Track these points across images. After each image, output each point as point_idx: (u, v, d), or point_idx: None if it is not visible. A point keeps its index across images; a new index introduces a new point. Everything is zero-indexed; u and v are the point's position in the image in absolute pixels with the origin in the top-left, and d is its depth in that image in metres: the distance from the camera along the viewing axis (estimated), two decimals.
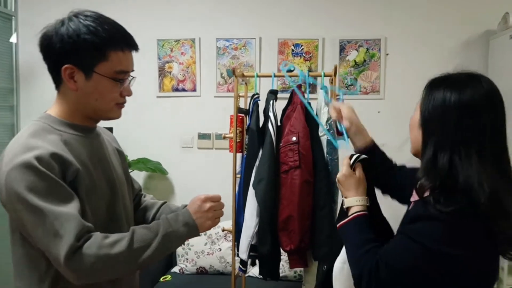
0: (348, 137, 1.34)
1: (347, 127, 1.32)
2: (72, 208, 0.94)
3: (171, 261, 2.97)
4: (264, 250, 1.77)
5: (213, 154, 3.12)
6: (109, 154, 1.19)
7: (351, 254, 1.09)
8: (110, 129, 1.24)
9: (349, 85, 2.99)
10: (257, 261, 1.95)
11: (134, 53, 1.12)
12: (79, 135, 1.08)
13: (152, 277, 2.69)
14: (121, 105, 1.12)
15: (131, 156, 2.89)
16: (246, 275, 2.28)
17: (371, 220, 1.14)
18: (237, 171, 2.02)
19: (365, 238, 1.07)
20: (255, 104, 1.95)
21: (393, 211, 1.28)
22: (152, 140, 3.14)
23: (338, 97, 2.00)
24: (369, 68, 2.97)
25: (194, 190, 1.14)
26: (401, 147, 1.76)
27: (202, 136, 3.13)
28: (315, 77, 2.30)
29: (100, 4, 3.08)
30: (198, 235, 1.10)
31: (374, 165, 1.28)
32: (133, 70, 1.11)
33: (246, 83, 2.24)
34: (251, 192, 1.83)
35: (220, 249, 2.78)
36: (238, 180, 2.03)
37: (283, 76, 2.77)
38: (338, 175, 1.20)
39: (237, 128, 1.98)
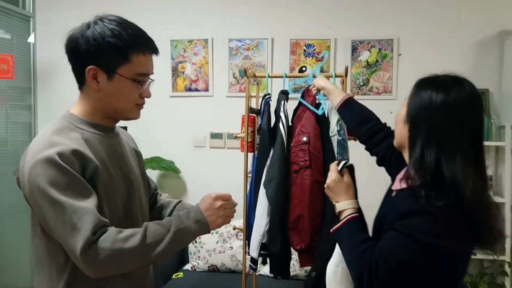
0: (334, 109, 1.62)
1: (314, 93, 1.67)
2: (90, 203, 0.98)
3: (183, 258, 3.01)
4: (274, 249, 1.79)
5: (225, 153, 3.15)
6: (127, 154, 1.23)
7: (349, 256, 1.12)
8: (125, 128, 1.28)
9: (361, 86, 2.99)
10: (267, 260, 1.97)
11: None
12: (99, 134, 1.12)
13: (164, 274, 2.73)
14: (140, 106, 1.16)
15: (145, 155, 2.90)
16: (257, 273, 2.30)
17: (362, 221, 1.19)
18: (248, 170, 2.05)
19: (361, 239, 1.11)
20: (267, 104, 1.97)
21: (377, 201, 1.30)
22: (165, 139, 3.19)
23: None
24: (382, 69, 2.97)
25: (206, 189, 1.17)
26: None
27: (214, 136, 3.16)
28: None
29: (115, 5, 3.16)
30: (209, 232, 1.13)
31: (351, 118, 1.53)
32: (152, 73, 1.15)
33: (258, 84, 2.26)
34: (262, 191, 1.85)
35: (232, 248, 2.81)
36: (249, 180, 2.06)
37: (295, 77, 2.79)
38: (328, 181, 1.25)
39: (249, 128, 2.00)
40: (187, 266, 2.91)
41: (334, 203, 1.23)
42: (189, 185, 3.22)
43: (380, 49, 2.97)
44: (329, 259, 1.24)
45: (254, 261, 1.88)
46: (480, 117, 1.07)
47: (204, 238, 2.85)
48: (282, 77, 2.00)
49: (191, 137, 3.20)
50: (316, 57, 3.02)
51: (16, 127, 3.21)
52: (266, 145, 1.90)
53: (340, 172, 1.26)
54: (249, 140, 2.00)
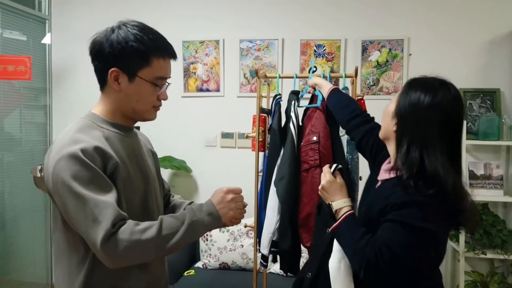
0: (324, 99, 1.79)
1: (309, 90, 1.88)
2: (110, 197, 1.03)
3: (195, 256, 3.06)
4: (285, 246, 1.82)
5: (235, 152, 3.19)
6: (144, 153, 1.28)
7: (352, 249, 1.18)
8: (137, 129, 1.33)
9: (371, 85, 3.01)
10: (278, 257, 2.00)
11: None
12: (119, 133, 1.17)
13: (176, 272, 2.77)
14: (157, 108, 1.21)
15: (157, 154, 2.99)
16: (268, 271, 2.34)
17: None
18: (259, 169, 2.08)
19: (362, 232, 1.18)
20: (277, 104, 2.00)
21: None
22: (177, 139, 3.24)
23: (358, 97, 2.03)
24: (392, 69, 2.98)
25: (217, 187, 1.21)
26: None
27: (225, 135, 3.20)
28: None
29: (127, 7, 3.22)
30: (221, 224, 1.16)
31: (335, 104, 1.68)
32: (170, 77, 1.20)
33: (268, 84, 2.29)
34: (272, 189, 1.88)
35: (242, 246, 2.84)
36: (260, 178, 2.09)
37: (305, 77, 2.81)
38: (323, 183, 1.32)
39: (260, 127, 2.03)
40: (199, 264, 2.95)
41: (329, 203, 1.30)
42: (200, 183, 3.26)
43: (390, 49, 2.98)
44: (323, 259, 1.28)
45: (264, 258, 1.92)
46: (461, 118, 1.19)
47: (215, 236, 2.90)
48: (292, 77, 2.03)
49: (202, 137, 3.24)
50: (326, 57, 3.04)
51: (32, 127, 3.28)
52: (276, 144, 1.94)
53: (333, 174, 1.35)
54: (260, 139, 2.04)
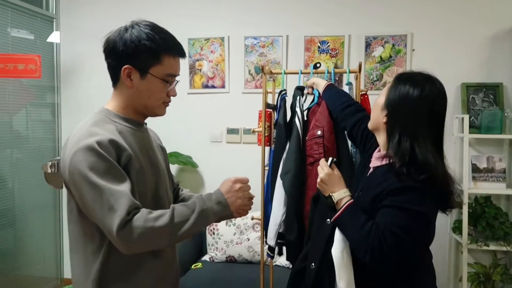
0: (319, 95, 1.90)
1: (308, 91, 1.94)
2: (125, 187, 1.08)
3: (202, 250, 3.12)
4: (291, 237, 1.87)
5: (241, 148, 3.24)
6: (155, 148, 1.33)
7: (355, 237, 1.24)
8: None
9: (375, 81, 3.04)
10: (283, 250, 2.05)
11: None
12: (131, 127, 1.23)
13: (184, 265, 2.83)
14: (166, 104, 1.26)
15: None
16: (274, 263, 2.39)
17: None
18: (265, 163, 2.13)
19: (364, 220, 1.23)
20: (283, 100, 2.04)
21: None
22: (183, 135, 3.29)
23: (362, 92, 2.07)
24: (395, 64, 3.01)
25: None
26: None
27: (231, 131, 3.25)
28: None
29: (133, 6, 3.26)
30: (230, 212, 1.21)
31: (329, 98, 1.78)
32: (179, 74, 1.25)
33: (274, 80, 2.33)
34: (278, 183, 1.93)
35: (249, 239, 2.90)
36: (266, 172, 2.13)
37: (309, 73, 2.85)
38: (321, 176, 1.37)
39: (266, 122, 2.08)
40: (206, 257, 3.01)
41: (330, 194, 1.34)
42: (206, 179, 3.32)
43: (393, 45, 3.01)
44: (326, 249, 1.32)
45: (271, 249, 1.97)
46: (445, 110, 1.27)
47: (222, 230, 2.95)
48: (297, 73, 2.07)
49: (208, 133, 3.29)
50: (330, 53, 3.08)
51: (40, 125, 3.34)
52: (282, 139, 1.98)
53: (330, 167, 1.39)
54: (266, 134, 2.08)
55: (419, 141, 1.21)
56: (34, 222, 3.27)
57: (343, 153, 1.83)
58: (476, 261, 2.92)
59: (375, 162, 1.34)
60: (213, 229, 2.98)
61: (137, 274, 1.19)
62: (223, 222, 2.95)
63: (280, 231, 1.92)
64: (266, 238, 2.02)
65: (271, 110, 2.14)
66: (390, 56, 3.02)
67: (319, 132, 1.86)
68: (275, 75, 2.28)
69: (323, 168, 1.39)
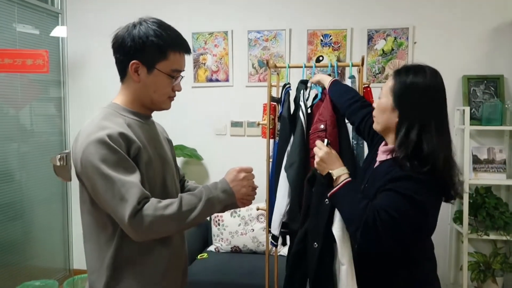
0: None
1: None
2: (135, 178, 1.13)
3: (207, 240, 3.18)
4: (294, 227, 1.92)
5: (245, 141, 3.28)
6: (161, 140, 1.38)
7: (350, 212, 1.27)
8: None
9: (377, 74, 3.08)
10: (287, 240, 2.11)
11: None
12: (139, 120, 1.27)
13: (190, 255, 2.85)
14: (172, 98, 1.31)
15: None
16: (278, 253, 2.44)
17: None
18: (270, 155, 2.17)
19: (361, 197, 1.27)
20: (287, 93, 2.08)
21: None
22: (188, 128, 3.34)
23: (365, 85, 2.11)
24: (397, 57, 3.05)
25: None
26: None
27: (235, 124, 3.29)
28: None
29: (139, 1, 3.29)
30: (235, 200, 1.26)
31: (335, 93, 1.81)
32: (184, 70, 1.29)
33: (278, 73, 2.37)
34: (283, 174, 1.98)
35: (253, 230, 2.96)
36: (270, 164, 2.18)
37: (312, 67, 2.88)
38: (321, 155, 1.39)
39: (270, 115, 2.12)
40: (211, 248, 3.07)
41: (329, 171, 1.37)
42: (211, 171, 3.37)
43: (395, 38, 3.04)
44: (327, 229, 1.36)
45: (275, 238, 2.03)
46: (446, 100, 1.29)
47: (227, 221, 3.01)
48: (301, 67, 2.11)
49: (212, 126, 3.34)
50: (333, 46, 3.11)
51: (46, 119, 3.39)
52: (286, 132, 2.03)
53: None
54: (270, 127, 2.13)
55: (426, 130, 1.22)
56: (42, 214, 3.33)
57: (345, 146, 1.88)
58: (477, 251, 2.97)
59: (381, 156, 1.37)
60: (218, 220, 3.04)
61: (148, 261, 1.24)
62: (228, 214, 3.01)
63: (284, 220, 1.97)
64: (270, 227, 2.07)
65: (275, 103, 2.19)
66: (392, 49, 3.05)
67: (322, 126, 1.90)
68: (279, 68, 2.32)
69: (321, 148, 1.41)
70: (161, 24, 1.24)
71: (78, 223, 1.34)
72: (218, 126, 3.33)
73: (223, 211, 1.30)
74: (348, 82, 2.07)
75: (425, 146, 1.21)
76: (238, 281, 2.61)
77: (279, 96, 2.19)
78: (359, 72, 2.07)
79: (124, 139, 1.16)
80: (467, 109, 2.75)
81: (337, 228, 1.34)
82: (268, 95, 2.11)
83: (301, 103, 1.99)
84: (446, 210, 2.93)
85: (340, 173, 1.35)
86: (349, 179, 1.34)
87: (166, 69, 1.23)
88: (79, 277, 3.12)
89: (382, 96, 1.35)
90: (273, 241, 2.05)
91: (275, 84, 2.36)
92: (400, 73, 1.31)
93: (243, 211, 2.99)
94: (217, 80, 3.30)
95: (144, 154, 1.21)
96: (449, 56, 2.96)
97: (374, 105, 1.46)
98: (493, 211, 2.76)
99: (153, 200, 1.13)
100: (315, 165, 1.43)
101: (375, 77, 3.08)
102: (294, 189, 1.92)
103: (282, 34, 3.16)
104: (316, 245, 1.41)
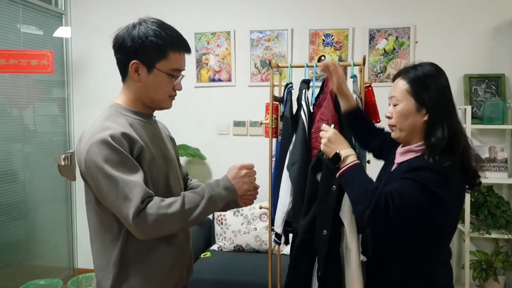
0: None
1: (337, 85, 1.65)
2: (138, 177, 1.15)
3: (210, 239, 3.20)
4: (297, 225, 1.94)
5: (247, 140, 3.30)
6: (164, 138, 1.39)
7: (359, 190, 1.26)
8: None
9: (379, 73, 3.09)
10: (290, 237, 2.12)
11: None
12: (141, 119, 1.29)
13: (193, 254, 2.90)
14: (172, 97, 1.32)
15: None
16: (281, 252, 2.46)
17: None
18: (272, 154, 2.19)
19: (371, 180, 1.27)
20: (289, 92, 2.10)
21: None
22: (191, 128, 3.36)
23: (367, 84, 2.12)
24: (399, 56, 3.06)
25: None
26: None
27: (237, 124, 3.31)
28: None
29: (141, 1, 3.31)
30: (237, 197, 1.28)
31: (357, 124, 1.69)
32: (184, 69, 1.31)
33: (280, 73, 2.39)
34: (285, 173, 1.99)
35: (256, 229, 2.97)
36: (273, 163, 2.20)
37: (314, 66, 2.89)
38: (329, 135, 1.38)
39: (273, 115, 2.14)
40: (214, 247, 3.09)
41: (336, 152, 1.35)
42: (213, 170, 3.39)
43: (397, 37, 3.05)
44: (335, 215, 1.37)
45: (278, 236, 2.04)
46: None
47: (230, 220, 3.03)
48: (303, 66, 2.12)
49: (215, 125, 3.36)
50: (334, 46, 3.12)
51: (50, 119, 3.42)
52: (289, 131, 2.04)
53: None
54: (273, 126, 2.14)
55: (449, 126, 1.25)
56: (46, 214, 3.35)
57: None
58: (478, 249, 2.98)
59: (399, 158, 1.36)
60: (221, 219, 3.06)
61: (153, 259, 1.26)
62: (231, 213, 3.02)
63: (287, 219, 1.98)
64: (273, 226, 2.09)
65: (278, 102, 2.20)
66: (394, 49, 3.06)
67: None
68: (281, 68, 2.34)
69: (328, 130, 1.40)
70: (160, 24, 1.25)
71: (82, 222, 1.36)
72: (221, 126, 3.35)
73: (225, 209, 1.32)
74: (349, 81, 2.08)
75: (446, 138, 1.23)
76: (241, 279, 2.63)
77: (282, 96, 2.20)
78: (361, 71, 2.08)
79: (126, 139, 1.18)
80: (469, 108, 2.76)
81: (346, 213, 1.34)
82: (271, 95, 2.12)
83: (303, 103, 2.00)
84: None
85: (348, 153, 1.34)
86: (358, 161, 1.32)
87: (166, 69, 1.24)
88: (84, 276, 3.14)
89: (398, 102, 1.33)
90: (276, 239, 2.07)
91: (277, 83, 2.37)
92: (408, 72, 1.32)
93: (246, 210, 3.01)
94: (219, 80, 3.32)
95: (147, 153, 1.23)
96: (450, 55, 2.97)
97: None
98: (494, 209, 2.77)
99: (156, 199, 1.15)
100: (322, 147, 1.40)
101: (376, 76, 3.09)
102: (296, 187, 1.93)
103: (284, 34, 3.18)
104: (325, 232, 1.41)
